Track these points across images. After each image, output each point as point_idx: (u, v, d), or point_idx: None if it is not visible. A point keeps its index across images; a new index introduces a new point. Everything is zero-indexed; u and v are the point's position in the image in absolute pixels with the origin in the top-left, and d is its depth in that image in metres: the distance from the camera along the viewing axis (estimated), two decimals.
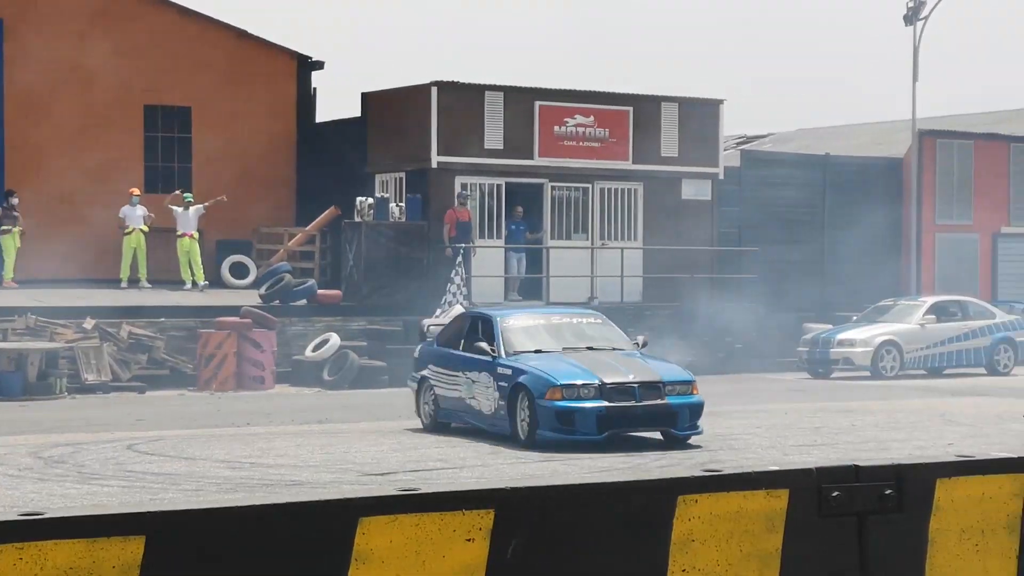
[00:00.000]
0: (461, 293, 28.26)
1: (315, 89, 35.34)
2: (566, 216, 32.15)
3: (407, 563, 4.75)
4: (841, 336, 30.20)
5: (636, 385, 16.41)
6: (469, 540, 4.84)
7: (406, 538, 4.75)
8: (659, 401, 16.43)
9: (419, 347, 19.50)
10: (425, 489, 4.86)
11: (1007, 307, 32.75)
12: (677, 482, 5.27)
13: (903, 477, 5.55)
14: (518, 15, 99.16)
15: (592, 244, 32.06)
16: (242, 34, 34.48)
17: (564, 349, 17.36)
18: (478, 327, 18.13)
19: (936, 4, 35.78)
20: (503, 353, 17.28)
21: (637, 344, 18.03)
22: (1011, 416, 20.24)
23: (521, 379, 16.63)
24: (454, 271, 28.55)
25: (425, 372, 18.62)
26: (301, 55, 35.07)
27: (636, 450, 16.17)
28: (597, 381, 16.33)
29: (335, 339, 27.13)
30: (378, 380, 26.50)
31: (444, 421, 18.29)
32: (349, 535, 4.69)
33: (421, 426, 18.52)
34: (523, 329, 17.84)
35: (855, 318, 31.55)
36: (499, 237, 31.20)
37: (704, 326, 30.44)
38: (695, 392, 16.72)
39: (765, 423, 19.41)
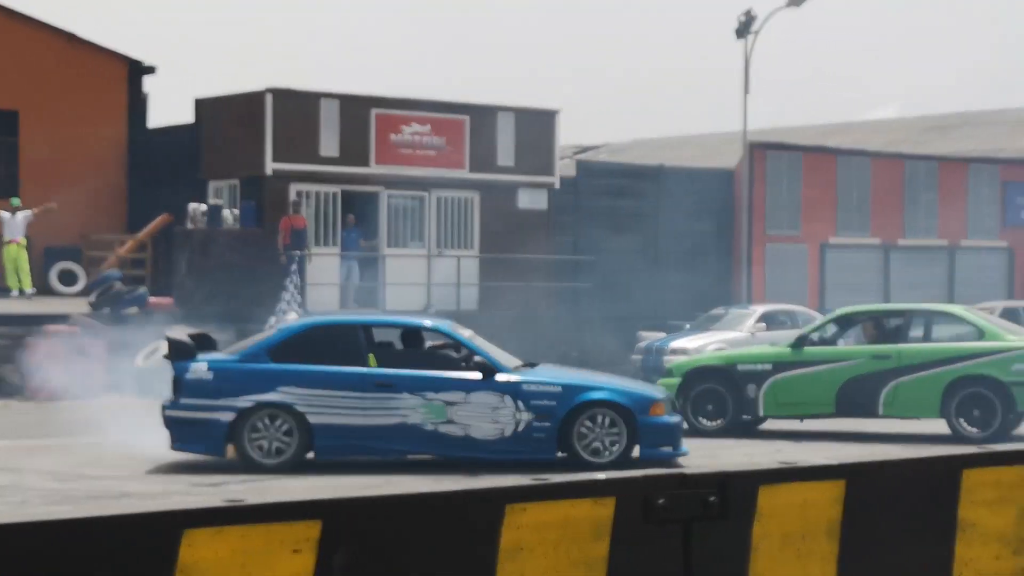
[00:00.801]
0: (296, 301, 28.06)
1: (147, 94, 34.83)
2: (402, 224, 32.12)
3: (233, 575, 4.70)
4: (674, 344, 30.60)
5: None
6: (296, 551, 4.81)
7: (232, 550, 4.70)
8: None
9: (214, 370, 15.78)
10: (251, 500, 4.81)
11: None
12: (505, 491, 5.29)
13: (727, 484, 5.64)
14: (354, 23, 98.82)
15: (428, 252, 32.08)
16: (72, 38, 33.85)
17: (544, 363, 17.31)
18: (364, 340, 16.02)
19: (767, 19, 36.48)
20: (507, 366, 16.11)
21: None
22: (837, 424, 20.65)
23: (596, 395, 15.75)
24: (288, 279, 28.35)
25: (272, 396, 15.44)
26: (132, 60, 34.53)
27: None
28: (665, 396, 16.47)
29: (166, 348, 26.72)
30: None
31: (327, 459, 15.65)
32: (173, 548, 4.63)
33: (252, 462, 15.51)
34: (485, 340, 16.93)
35: (688, 327, 31.99)
36: (335, 245, 31.05)
37: (539, 334, 30.63)
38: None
39: None
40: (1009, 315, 38.02)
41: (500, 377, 15.67)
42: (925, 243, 40.30)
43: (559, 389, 15.69)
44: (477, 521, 5.19)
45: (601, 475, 5.56)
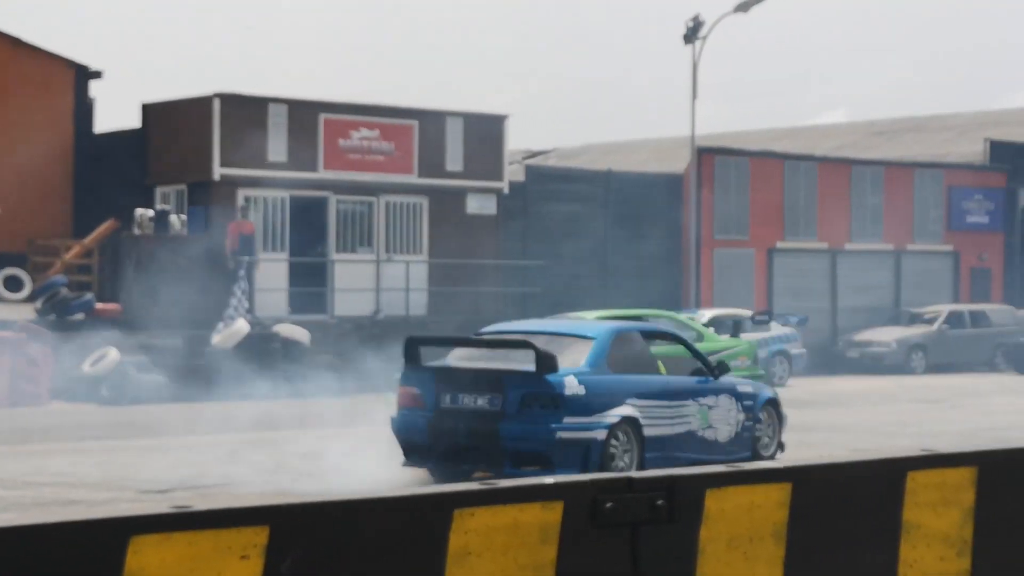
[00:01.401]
0: (243, 307, 27.96)
1: (93, 99, 34.61)
2: (351, 230, 32.06)
3: None
4: None
5: None
6: (244, 557, 4.80)
7: (179, 556, 4.69)
8: None
9: (584, 384, 14.28)
10: (199, 506, 4.80)
11: (782, 320, 33.68)
12: (453, 496, 5.30)
13: (674, 487, 5.67)
14: (302, 28, 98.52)
15: (377, 258, 32.03)
16: (16, 42, 33.58)
17: None
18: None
19: (714, 24, 36.65)
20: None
21: None
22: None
23: (768, 394, 16.60)
24: (236, 284, 28.24)
25: (626, 410, 14.47)
26: (79, 64, 34.30)
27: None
28: None
29: (114, 354, 26.59)
30: (158, 395, 26.04)
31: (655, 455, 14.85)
32: (120, 554, 4.61)
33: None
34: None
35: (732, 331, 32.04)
36: (283, 250, 30.97)
37: None
38: None
39: None
40: (954, 318, 38.42)
41: (724, 379, 15.93)
42: (872, 247, 40.60)
43: (752, 390, 16.35)
44: (425, 526, 5.19)
45: (549, 479, 5.58)
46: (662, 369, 15.43)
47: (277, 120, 30.85)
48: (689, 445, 15.10)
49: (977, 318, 38.81)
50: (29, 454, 17.46)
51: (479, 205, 33.51)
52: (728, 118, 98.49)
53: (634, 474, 5.72)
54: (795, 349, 32.70)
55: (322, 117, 31.36)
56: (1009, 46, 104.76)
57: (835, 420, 22.76)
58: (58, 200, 33.40)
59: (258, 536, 4.80)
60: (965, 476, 6.44)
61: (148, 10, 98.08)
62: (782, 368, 32.21)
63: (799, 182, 39.42)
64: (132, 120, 33.35)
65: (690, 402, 15.16)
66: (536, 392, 13.97)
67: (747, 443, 15.96)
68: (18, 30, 34.28)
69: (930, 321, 38.45)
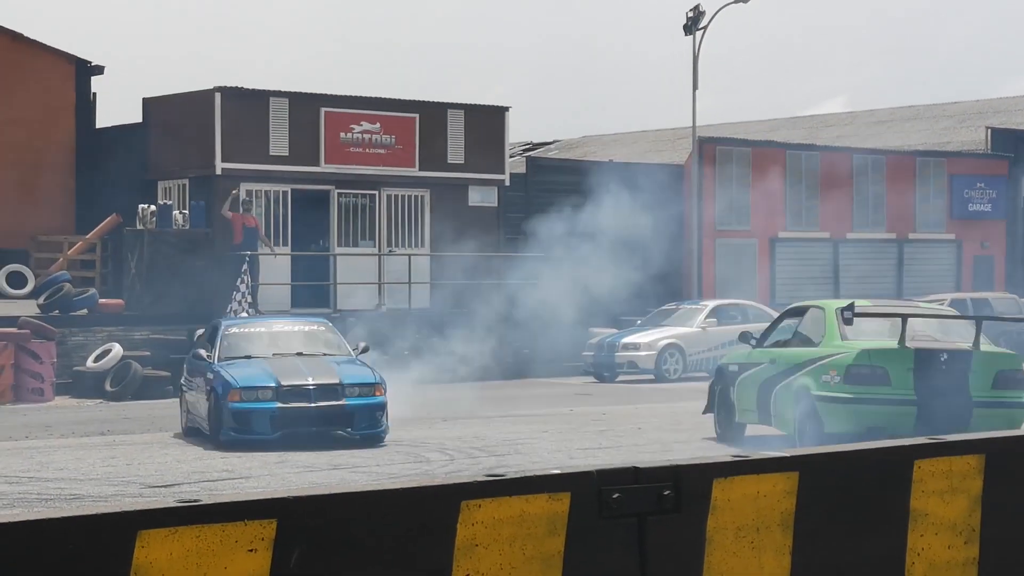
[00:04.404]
0: (247, 301, 27.94)
1: (95, 94, 34.61)
2: (352, 223, 32.04)
3: (188, 575, 4.68)
4: (626, 340, 30.69)
5: (313, 387, 17.43)
6: (251, 551, 4.80)
7: (186, 551, 4.68)
8: (335, 402, 17.44)
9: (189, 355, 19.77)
10: (205, 500, 4.79)
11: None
12: (460, 487, 5.29)
13: (681, 477, 5.66)
14: (303, 21, 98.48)
15: (379, 251, 32.01)
16: (17, 37, 33.58)
17: (274, 355, 18.35)
18: (213, 334, 19.08)
19: (715, 15, 36.62)
20: (216, 359, 18.17)
21: (356, 350, 19.00)
22: None
23: (216, 384, 17.55)
24: (239, 279, 28.21)
25: (182, 380, 19.51)
26: (80, 59, 34.30)
27: (325, 448, 16.90)
28: (274, 384, 17.34)
29: (117, 349, 26.60)
30: (162, 390, 26.04)
31: (192, 427, 18.70)
32: (127, 549, 4.60)
33: (183, 434, 18.91)
34: (243, 336, 18.87)
35: (639, 322, 32.08)
36: (285, 244, 30.95)
37: (491, 331, 30.62)
38: (378, 393, 17.65)
39: (552, 427, 19.61)
40: (957, 306, 38.36)
41: None
42: (874, 236, 40.57)
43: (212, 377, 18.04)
44: (432, 518, 5.18)
45: (556, 470, 5.57)
46: None
47: (278, 114, 30.83)
48: (196, 414, 18.48)
49: (980, 306, 38.76)
50: (33, 450, 17.47)
51: (481, 197, 33.50)
52: (729, 108, 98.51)
53: (640, 464, 5.71)
54: None
55: (323, 111, 31.34)
56: (1009, 33, 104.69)
57: None
58: (60, 196, 33.41)
59: (265, 529, 4.80)
60: (972, 464, 6.43)
61: (148, 5, 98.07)
62: None
63: (801, 171, 39.39)
64: (133, 115, 33.38)
65: (194, 380, 18.70)
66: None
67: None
68: (19, 26, 34.30)
69: None
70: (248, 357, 18.29)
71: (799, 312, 17.66)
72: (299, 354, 18.46)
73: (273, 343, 18.81)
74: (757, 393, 16.74)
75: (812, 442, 14.76)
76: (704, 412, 18.50)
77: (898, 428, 14.56)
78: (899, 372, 14.87)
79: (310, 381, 17.51)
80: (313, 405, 17.36)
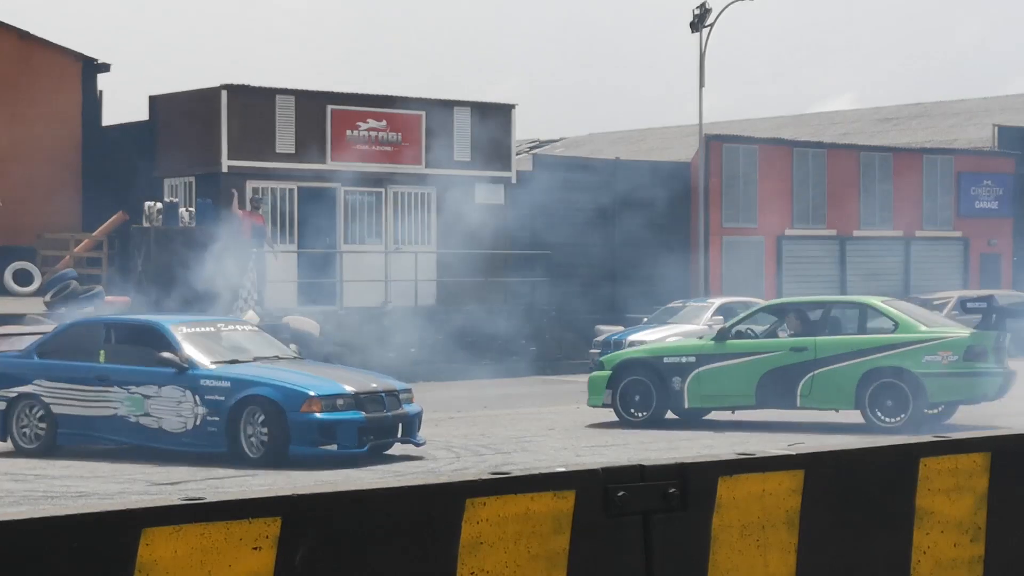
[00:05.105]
0: (252, 299, 27.95)
1: (101, 92, 34.63)
2: (359, 220, 32.05)
3: (192, 573, 4.68)
4: (632, 337, 30.65)
5: (384, 393, 15.90)
6: (256, 549, 4.79)
7: (191, 548, 4.68)
8: (400, 411, 15.96)
9: None
10: (210, 498, 4.79)
11: None
12: (465, 485, 5.28)
13: (686, 476, 5.66)
14: (309, 19, 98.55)
15: (386, 249, 32.02)
16: (24, 35, 33.60)
17: (255, 359, 16.41)
18: (116, 337, 16.93)
19: (720, 12, 36.60)
20: (201, 364, 15.99)
21: (296, 353, 17.37)
22: (795, 414, 20.72)
23: (256, 391, 15.49)
24: (246, 276, 28.21)
25: (29, 388, 16.77)
26: (86, 57, 34.32)
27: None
28: (352, 391, 15.66)
29: None
30: None
31: (65, 444, 16.61)
32: (132, 547, 4.60)
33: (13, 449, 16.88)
34: (199, 338, 16.55)
35: (646, 320, 32.05)
36: (292, 242, 30.97)
37: (498, 329, 30.65)
38: (413, 400, 16.44)
39: (559, 424, 19.60)
40: (964, 304, 38.30)
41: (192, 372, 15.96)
42: (880, 234, 40.53)
43: (228, 384, 15.76)
44: (437, 516, 5.18)
45: (561, 468, 5.57)
46: (102, 358, 16.61)
47: (285, 111, 30.85)
48: (113, 429, 16.40)
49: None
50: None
51: (487, 195, 33.49)
52: (735, 106, 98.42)
53: (646, 462, 5.71)
54: None
55: (330, 108, 31.34)
56: (1016, 31, 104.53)
57: None
58: (67, 193, 33.43)
59: (270, 527, 4.80)
60: (978, 462, 6.42)
61: (155, 3, 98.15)
62: None
63: (808, 169, 39.36)
64: (140, 113, 33.42)
65: (114, 389, 16.34)
66: None
67: (213, 439, 15.64)
68: (26, 24, 34.34)
69: (940, 307, 38.37)
70: (234, 361, 16.21)
71: (780, 310, 20.46)
72: (256, 359, 16.44)
73: (230, 346, 16.74)
74: (759, 380, 18.92)
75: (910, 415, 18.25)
76: (600, 405, 19.81)
77: (993, 395, 18.74)
78: (990, 351, 18.70)
79: (376, 387, 15.98)
80: (390, 414, 15.76)
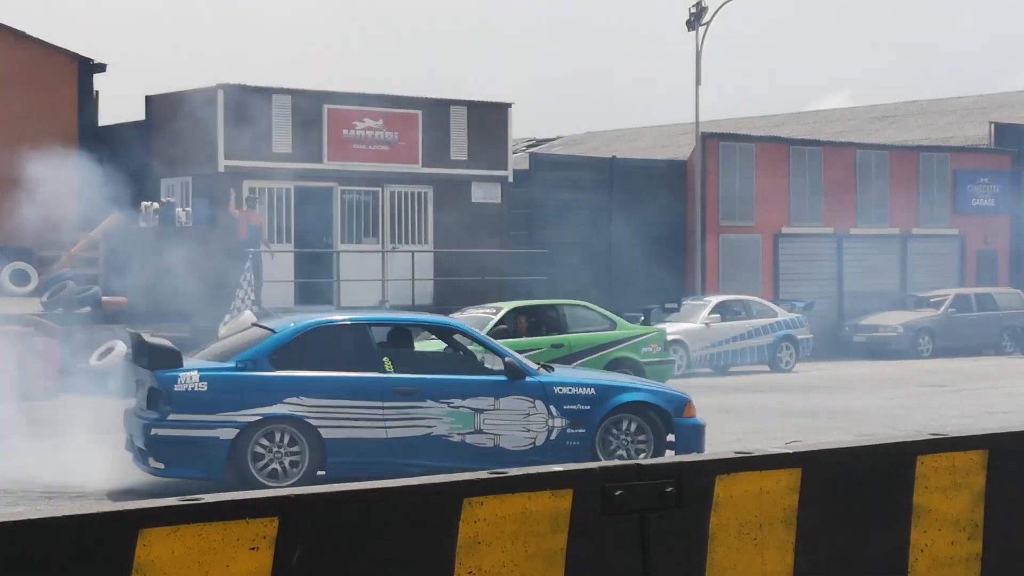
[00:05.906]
0: (249, 299, 27.94)
1: (97, 92, 34.59)
2: (356, 220, 32.04)
3: (190, 573, 4.69)
4: None
5: None
6: (253, 549, 4.80)
7: (188, 548, 4.68)
8: None
9: (207, 381, 13.58)
10: (208, 498, 4.79)
11: (788, 306, 33.64)
12: (462, 485, 5.29)
13: (683, 474, 5.66)
14: (305, 18, 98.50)
15: (383, 248, 32.01)
16: (19, 35, 33.57)
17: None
18: (395, 341, 14.87)
19: (717, 11, 36.59)
20: (534, 370, 14.39)
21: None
22: (792, 412, 20.77)
23: (633, 397, 14.50)
24: (242, 276, 28.21)
25: (277, 408, 13.32)
26: (82, 57, 34.28)
27: None
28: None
29: (121, 347, 26.59)
30: None
31: (334, 476, 13.38)
32: (129, 547, 4.60)
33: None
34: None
35: (643, 319, 32.04)
36: (288, 242, 30.96)
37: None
38: None
39: None
40: (960, 301, 38.35)
41: (530, 380, 14.07)
42: (877, 231, 40.53)
43: (592, 391, 14.27)
44: (435, 515, 5.18)
45: (558, 467, 5.57)
46: (388, 366, 13.76)
47: (281, 111, 30.83)
48: (427, 451, 13.50)
49: (984, 301, 38.76)
50: (36, 448, 17.45)
51: (484, 194, 33.48)
52: (732, 103, 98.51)
53: (643, 461, 5.72)
54: (801, 334, 32.68)
55: (326, 107, 31.33)
56: (1013, 28, 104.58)
57: (842, 405, 22.73)
58: (63, 193, 33.37)
59: (267, 527, 4.80)
60: (975, 460, 6.43)
61: (151, 2, 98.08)
62: (788, 353, 32.20)
63: (804, 167, 39.36)
64: (136, 112, 33.37)
65: (429, 402, 13.58)
66: (158, 387, 13.46)
67: (567, 451, 13.86)
68: (21, 23, 34.30)
69: (937, 305, 38.40)
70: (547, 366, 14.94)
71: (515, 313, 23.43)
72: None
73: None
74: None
75: None
76: None
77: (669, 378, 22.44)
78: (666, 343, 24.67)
79: None
80: None
